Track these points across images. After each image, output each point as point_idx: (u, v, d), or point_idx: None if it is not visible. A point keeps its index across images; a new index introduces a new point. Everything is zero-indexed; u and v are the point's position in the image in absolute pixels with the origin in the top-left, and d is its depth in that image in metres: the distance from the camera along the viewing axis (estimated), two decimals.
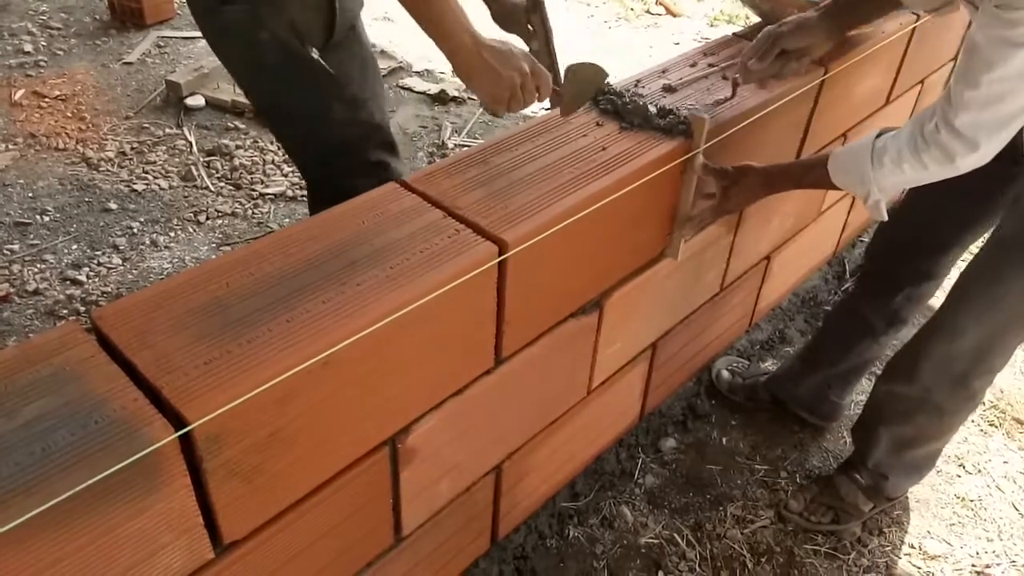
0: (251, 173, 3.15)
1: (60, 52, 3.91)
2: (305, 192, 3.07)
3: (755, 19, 2.05)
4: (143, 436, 0.89)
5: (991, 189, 1.51)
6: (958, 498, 2.07)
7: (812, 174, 1.52)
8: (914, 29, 2.14)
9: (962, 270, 1.64)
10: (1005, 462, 2.18)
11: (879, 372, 1.86)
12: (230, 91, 3.59)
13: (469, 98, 3.76)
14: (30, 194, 2.96)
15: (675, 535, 1.92)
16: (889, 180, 1.39)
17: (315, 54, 1.54)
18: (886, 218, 1.45)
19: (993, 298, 1.55)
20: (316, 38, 1.56)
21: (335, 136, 1.64)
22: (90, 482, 0.84)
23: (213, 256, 2.70)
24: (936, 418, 1.75)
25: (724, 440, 2.17)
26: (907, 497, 2.05)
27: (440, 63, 4.00)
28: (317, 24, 1.55)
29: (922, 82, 2.45)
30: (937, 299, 2.12)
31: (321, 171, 1.75)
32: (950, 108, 1.27)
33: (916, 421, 1.78)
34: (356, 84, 1.65)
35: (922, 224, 1.48)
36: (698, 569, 1.85)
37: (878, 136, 1.40)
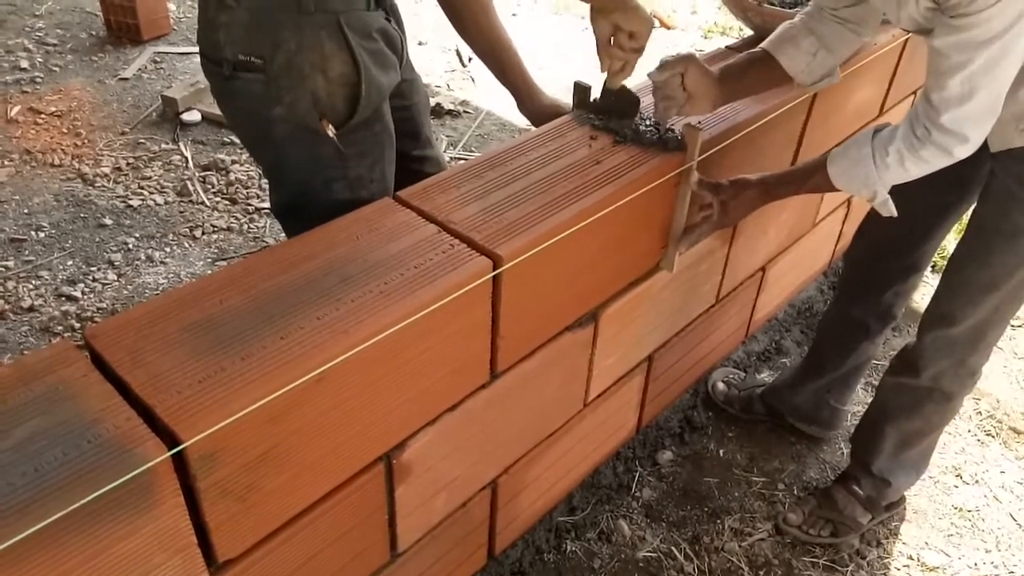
0: (247, 188, 3.15)
1: (56, 68, 3.91)
2: None
3: (748, 32, 2.07)
4: (136, 455, 0.88)
5: (962, 173, 1.55)
6: (956, 509, 2.07)
7: (812, 180, 1.53)
8: (906, 41, 2.15)
9: (950, 257, 1.67)
10: (1002, 472, 2.18)
11: (874, 380, 1.87)
12: None
13: (464, 112, 3.77)
14: (25, 210, 2.96)
15: (673, 548, 1.91)
16: (893, 178, 1.42)
17: (331, 132, 1.44)
18: (896, 213, 1.47)
19: (984, 283, 1.59)
20: (337, 114, 1.45)
21: (331, 213, 1.53)
22: (83, 502, 0.83)
23: (209, 271, 2.70)
24: (943, 404, 1.79)
25: (721, 452, 2.17)
26: (905, 508, 2.04)
27: (436, 76, 4.01)
28: (340, 99, 1.44)
29: (915, 93, 2.46)
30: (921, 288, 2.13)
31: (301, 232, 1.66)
32: (932, 110, 1.32)
33: (924, 412, 1.81)
34: (366, 164, 1.55)
35: (902, 221, 1.52)
36: None
37: (874, 136, 1.41)
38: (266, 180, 1.67)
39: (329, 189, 1.53)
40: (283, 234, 2.90)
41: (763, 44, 1.61)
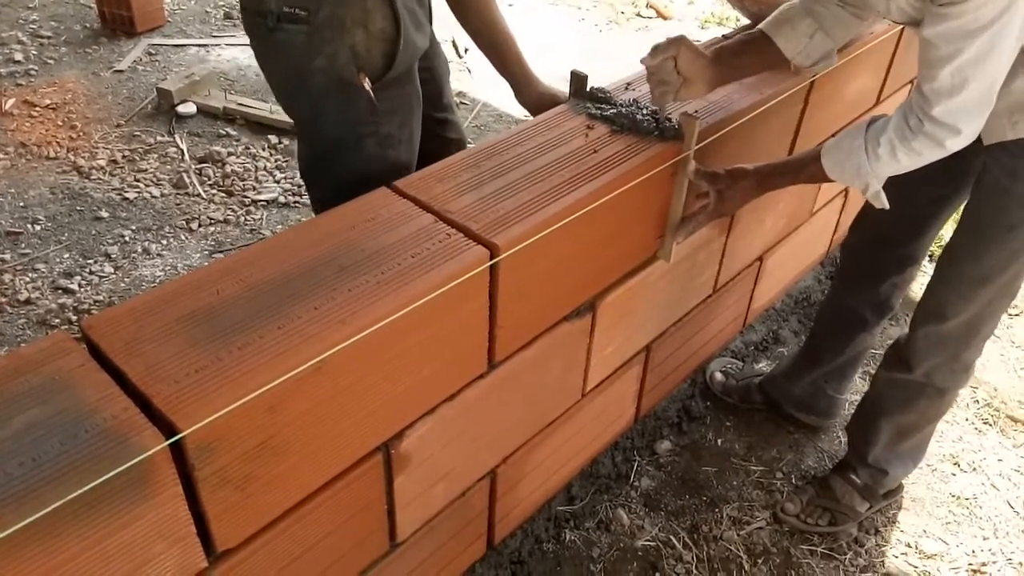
0: (243, 180, 3.14)
1: (51, 61, 3.89)
2: (297, 198, 3.07)
3: (744, 21, 2.06)
4: (134, 445, 0.88)
5: (956, 165, 1.55)
6: (953, 497, 2.08)
7: (807, 171, 1.53)
8: (903, 29, 2.14)
9: (942, 252, 1.66)
10: (1000, 460, 2.18)
11: (871, 369, 1.87)
12: (221, 98, 3.59)
13: (461, 103, 3.76)
14: (21, 203, 2.95)
15: (671, 537, 1.91)
16: (886, 170, 1.41)
17: (367, 85, 1.50)
18: (888, 206, 1.46)
19: (977, 277, 1.59)
20: (374, 68, 1.52)
21: (359, 169, 1.59)
22: (80, 492, 0.83)
23: (205, 263, 2.70)
24: (938, 399, 1.79)
25: (719, 442, 2.17)
26: (903, 496, 2.05)
27: None
28: (378, 54, 1.51)
29: (912, 81, 2.46)
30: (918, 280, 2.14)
31: (332, 197, 1.69)
32: (924, 101, 1.31)
33: (918, 406, 1.81)
34: (396, 122, 1.61)
35: (898, 212, 1.52)
36: (695, 571, 1.84)
37: (868, 127, 1.41)
38: (296, 136, 1.75)
39: (360, 145, 1.58)
40: (279, 225, 2.91)
41: (760, 25, 1.60)
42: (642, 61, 1.52)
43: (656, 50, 1.49)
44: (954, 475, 2.13)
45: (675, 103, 1.58)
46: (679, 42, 1.49)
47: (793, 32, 1.56)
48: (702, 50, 1.52)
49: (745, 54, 1.59)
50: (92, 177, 3.11)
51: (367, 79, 1.50)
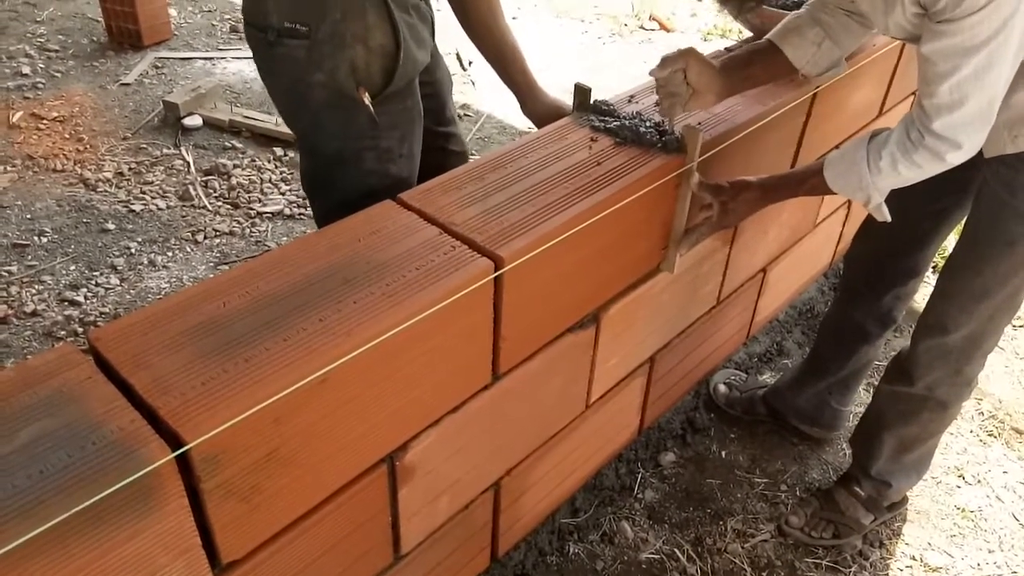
0: (249, 192, 3.16)
1: (58, 74, 3.93)
2: (302, 210, 3.08)
3: (747, 34, 2.07)
4: (140, 457, 0.89)
5: (958, 178, 1.55)
6: (958, 509, 2.07)
7: (809, 183, 1.53)
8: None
9: (943, 266, 1.66)
10: (1005, 472, 2.17)
11: (875, 380, 1.87)
12: (227, 111, 3.61)
13: (465, 115, 3.78)
14: (28, 215, 2.97)
15: (676, 550, 1.91)
16: (887, 182, 1.42)
17: (367, 99, 1.52)
18: (889, 219, 1.47)
19: (977, 291, 1.59)
20: (373, 83, 1.53)
21: (359, 183, 1.60)
22: (86, 504, 0.84)
23: (211, 275, 2.71)
24: (940, 413, 1.78)
25: (723, 454, 2.17)
26: (907, 509, 2.04)
27: None
28: (378, 69, 1.52)
29: (915, 93, 2.46)
30: (922, 292, 2.15)
31: (334, 211, 1.66)
32: (924, 116, 1.32)
33: (920, 419, 1.80)
34: (396, 137, 1.62)
35: (900, 225, 1.52)
36: None
37: (871, 140, 1.42)
38: (298, 151, 1.78)
39: (360, 158, 1.59)
40: (285, 237, 2.92)
41: (768, 35, 1.61)
42: (651, 73, 1.53)
43: (665, 62, 1.50)
44: (959, 487, 2.13)
45: (682, 114, 1.59)
46: (688, 54, 1.50)
47: (801, 41, 1.57)
48: (710, 61, 1.53)
49: (753, 64, 1.59)
50: (98, 189, 3.13)
51: (367, 94, 1.51)
